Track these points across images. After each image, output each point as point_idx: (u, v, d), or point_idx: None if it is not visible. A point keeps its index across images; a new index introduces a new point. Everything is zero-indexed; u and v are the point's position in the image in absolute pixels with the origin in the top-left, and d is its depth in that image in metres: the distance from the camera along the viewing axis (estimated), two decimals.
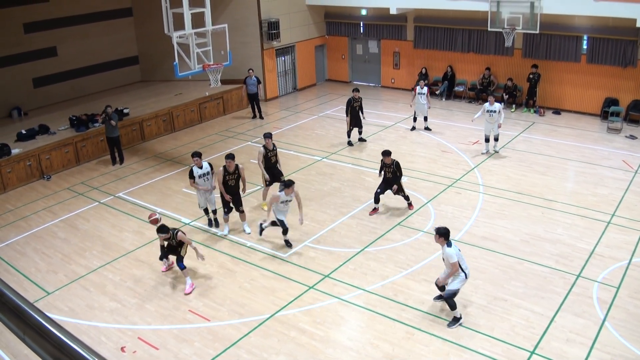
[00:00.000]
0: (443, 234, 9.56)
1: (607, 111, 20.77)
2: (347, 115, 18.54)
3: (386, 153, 13.65)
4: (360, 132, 19.07)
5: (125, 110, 20.16)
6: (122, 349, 9.58)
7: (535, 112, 22.17)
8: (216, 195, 13.30)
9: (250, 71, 21.93)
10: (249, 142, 19.58)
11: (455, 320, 9.88)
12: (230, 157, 12.70)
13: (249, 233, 13.21)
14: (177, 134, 21.00)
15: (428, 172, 16.48)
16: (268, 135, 14.10)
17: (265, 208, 13.83)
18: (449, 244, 9.59)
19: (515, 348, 9.34)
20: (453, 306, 9.77)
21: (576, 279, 11.17)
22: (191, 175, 12.78)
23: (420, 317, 10.16)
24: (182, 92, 22.86)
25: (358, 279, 11.39)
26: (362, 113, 18.57)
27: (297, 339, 9.74)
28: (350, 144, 18.92)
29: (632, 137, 19.57)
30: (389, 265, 11.81)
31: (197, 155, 12.87)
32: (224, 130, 21.19)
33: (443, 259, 9.82)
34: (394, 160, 13.59)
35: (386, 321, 10.11)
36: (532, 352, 9.22)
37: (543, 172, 16.27)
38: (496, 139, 17.54)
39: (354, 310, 10.53)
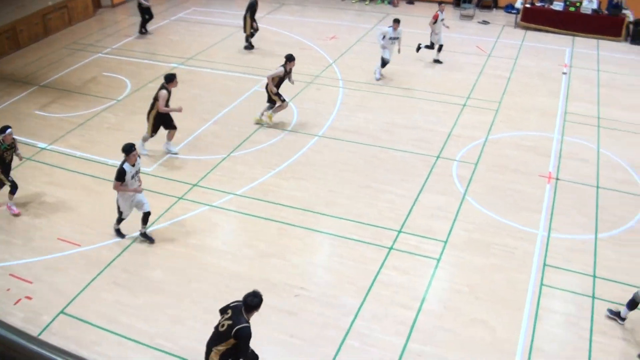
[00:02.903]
0: None
1: None
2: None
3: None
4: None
5: None
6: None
7: (389, 3, 22.88)
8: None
9: None
10: (100, 54, 18.45)
11: None
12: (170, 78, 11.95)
13: (176, 153, 12.72)
14: (23, 51, 19.26)
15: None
16: (292, 58, 13.22)
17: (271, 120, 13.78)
18: None
19: (383, 229, 10.19)
20: None
21: (436, 160, 12.23)
22: (121, 177, 9.42)
23: (292, 214, 10.67)
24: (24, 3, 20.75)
25: (227, 184, 11.60)
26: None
27: (172, 250, 9.87)
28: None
29: (485, 22, 20.98)
30: (257, 167, 12.11)
31: (131, 149, 9.50)
32: (71, 43, 19.72)
33: None
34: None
35: (259, 221, 10.52)
36: (399, 231, 10.14)
37: (400, 63, 17.09)
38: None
39: (227, 215, 10.80)
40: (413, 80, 16.02)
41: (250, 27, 18.16)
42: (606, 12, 19.61)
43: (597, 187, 11.56)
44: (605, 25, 19.54)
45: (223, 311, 6.75)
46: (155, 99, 12.00)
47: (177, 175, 11.95)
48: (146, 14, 19.64)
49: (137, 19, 20.68)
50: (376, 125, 13.65)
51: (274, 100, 13.32)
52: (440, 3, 17.05)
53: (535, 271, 9.36)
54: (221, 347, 6.51)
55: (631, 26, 19.51)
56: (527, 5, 20.37)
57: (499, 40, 19.34)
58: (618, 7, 19.45)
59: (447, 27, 17.04)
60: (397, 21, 15.46)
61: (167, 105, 12.01)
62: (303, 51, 18.10)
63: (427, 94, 15.19)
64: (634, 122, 14.04)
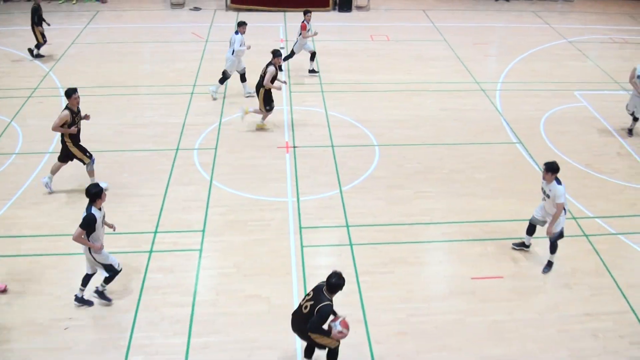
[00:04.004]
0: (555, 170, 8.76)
1: None
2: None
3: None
4: None
5: None
6: None
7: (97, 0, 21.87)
8: None
9: None
10: None
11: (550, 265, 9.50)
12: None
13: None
14: None
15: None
16: (278, 53, 12.75)
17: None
18: (559, 181, 8.85)
19: (139, 234, 9.83)
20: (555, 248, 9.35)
21: (176, 152, 12.12)
22: (90, 223, 7.89)
23: (39, 242, 9.62)
24: None
25: None
26: None
27: None
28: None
29: (196, 8, 21.18)
30: None
31: (99, 193, 7.99)
32: None
33: (546, 196, 9.02)
34: None
35: (6, 260, 9.31)
36: (155, 232, 9.87)
37: (119, 60, 16.53)
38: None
39: None
40: (133, 77, 15.58)
41: (41, 35, 16.27)
42: None
43: (332, 146, 12.54)
44: None
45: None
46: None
47: None
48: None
49: None
50: (109, 129, 13.01)
51: (261, 106, 12.95)
52: (306, 12, 15.76)
53: (294, 236, 9.87)
54: None
55: None
56: None
57: (214, 24, 19.70)
58: None
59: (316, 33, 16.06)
60: (243, 24, 14.55)
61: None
62: (15, 63, 16.40)
63: (153, 88, 14.92)
64: (350, 82, 15.53)
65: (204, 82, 15.21)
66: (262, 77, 12.63)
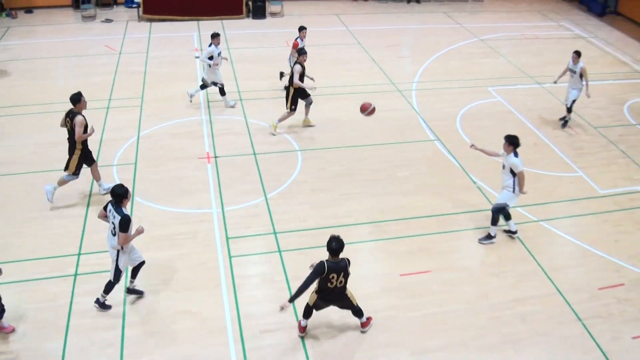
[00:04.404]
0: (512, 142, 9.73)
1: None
2: None
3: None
4: None
5: None
6: None
7: (7, 15, 20.94)
8: None
9: None
10: None
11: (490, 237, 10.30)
12: None
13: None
14: None
15: None
16: (304, 51, 13.11)
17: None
18: (516, 154, 9.77)
19: (62, 258, 9.49)
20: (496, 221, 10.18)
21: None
22: (129, 223, 7.93)
23: None
24: None
25: None
26: None
27: None
28: None
29: (108, 20, 20.71)
30: None
31: (125, 193, 7.99)
32: None
33: (502, 167, 10.04)
34: None
35: None
36: (79, 254, 9.56)
37: (33, 77, 16.00)
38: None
39: None
40: (48, 94, 15.01)
41: None
42: None
43: (254, 153, 12.54)
44: (227, 5, 21.01)
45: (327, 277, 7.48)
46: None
47: None
48: None
49: None
50: (23, 149, 12.51)
51: (289, 106, 13.21)
52: (301, 29, 14.79)
53: (221, 247, 9.81)
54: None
55: (250, 3, 21.34)
56: None
57: (127, 36, 19.31)
58: None
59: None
60: (217, 35, 14.10)
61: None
62: None
63: (68, 104, 14.32)
64: (268, 88, 15.58)
65: (119, 95, 14.88)
66: (291, 76, 12.99)
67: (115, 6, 22.30)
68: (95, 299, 8.50)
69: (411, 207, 11.05)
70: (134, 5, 21.41)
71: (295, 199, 11.16)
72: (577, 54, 13.57)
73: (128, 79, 15.72)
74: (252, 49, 18.45)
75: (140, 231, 8.11)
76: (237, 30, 19.74)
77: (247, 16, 21.51)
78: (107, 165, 11.89)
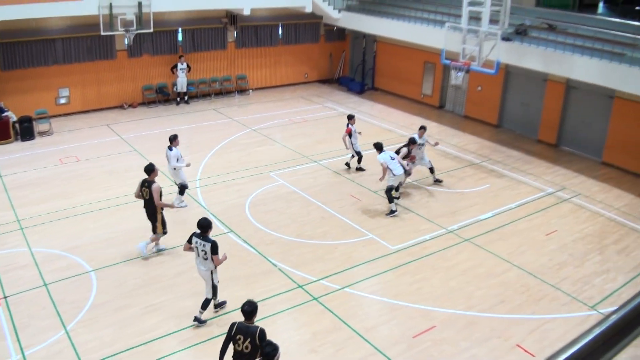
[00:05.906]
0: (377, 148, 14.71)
1: None
2: None
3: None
4: None
5: None
6: None
7: None
8: None
9: None
10: None
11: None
12: None
13: None
14: None
15: None
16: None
17: None
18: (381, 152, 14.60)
19: None
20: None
21: None
22: (218, 246, 10.14)
23: None
24: None
25: None
26: None
27: None
28: None
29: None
30: None
31: (210, 224, 10.35)
32: None
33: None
34: None
35: None
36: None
37: None
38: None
39: None
40: None
41: None
42: None
43: (45, 284, 11.46)
44: None
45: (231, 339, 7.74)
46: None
47: None
48: None
49: None
50: None
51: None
52: (350, 117, 17.44)
53: None
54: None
55: (17, 125, 20.05)
56: None
57: None
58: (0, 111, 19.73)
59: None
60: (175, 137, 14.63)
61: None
62: None
63: None
64: (49, 211, 14.57)
65: None
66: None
67: None
68: (193, 317, 10.19)
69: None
70: None
71: (98, 324, 10.30)
72: (423, 128, 16.16)
73: None
74: (26, 173, 17.12)
75: (225, 257, 10.22)
76: (6, 156, 18.33)
77: (16, 139, 20.11)
78: None
